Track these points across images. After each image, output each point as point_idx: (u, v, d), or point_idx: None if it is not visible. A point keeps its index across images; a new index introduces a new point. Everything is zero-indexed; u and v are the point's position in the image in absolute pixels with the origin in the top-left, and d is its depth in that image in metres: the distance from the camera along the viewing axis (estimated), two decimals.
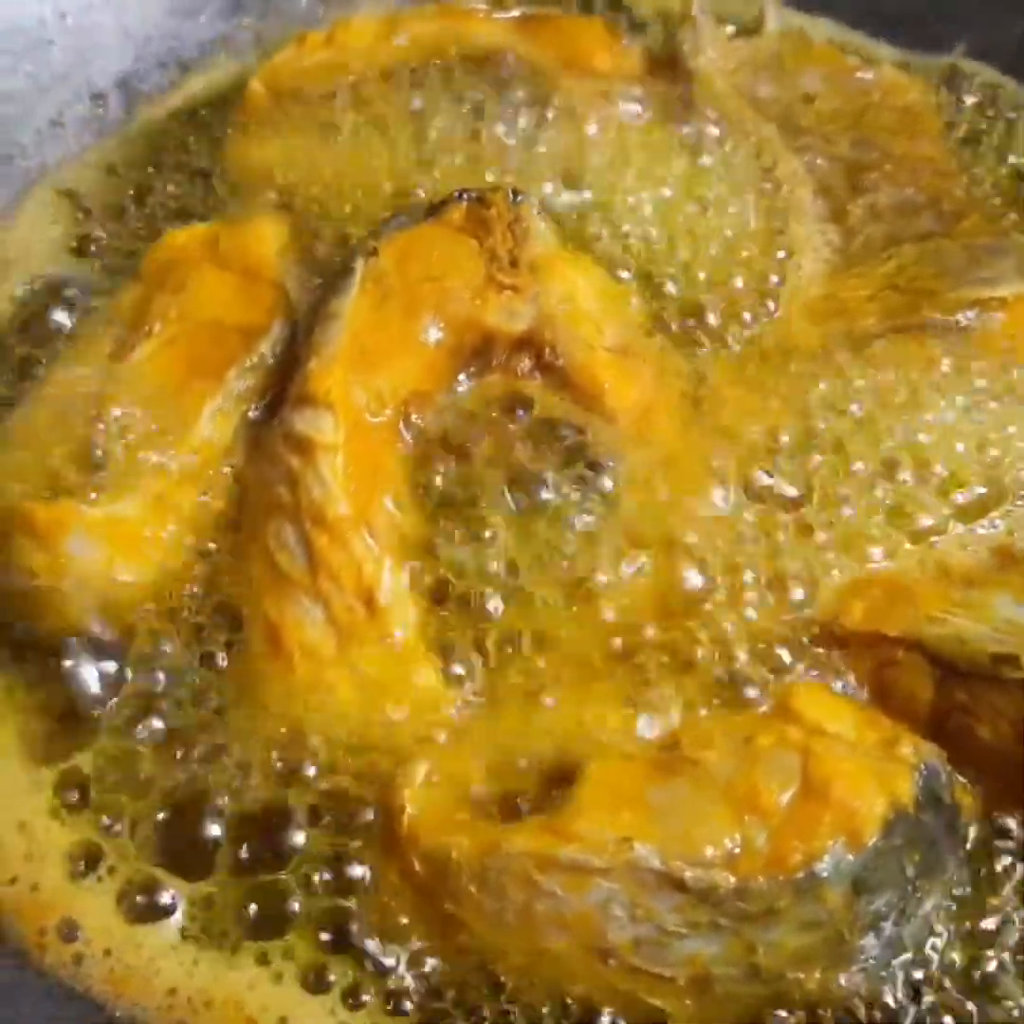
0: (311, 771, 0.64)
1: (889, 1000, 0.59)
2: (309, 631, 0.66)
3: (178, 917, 0.61)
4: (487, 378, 0.74)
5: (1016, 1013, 0.59)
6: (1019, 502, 0.73)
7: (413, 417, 0.71)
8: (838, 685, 0.67)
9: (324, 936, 0.60)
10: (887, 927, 0.59)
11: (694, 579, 0.70)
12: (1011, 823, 0.64)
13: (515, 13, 0.98)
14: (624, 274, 0.82)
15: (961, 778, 0.63)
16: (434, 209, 0.74)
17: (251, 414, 0.73)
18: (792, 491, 0.73)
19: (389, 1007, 0.59)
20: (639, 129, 0.91)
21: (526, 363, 0.74)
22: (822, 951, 0.58)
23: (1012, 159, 0.97)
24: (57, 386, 0.75)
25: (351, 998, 0.59)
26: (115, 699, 0.66)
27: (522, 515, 0.70)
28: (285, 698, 0.66)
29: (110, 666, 0.67)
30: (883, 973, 0.59)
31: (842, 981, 0.58)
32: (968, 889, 0.62)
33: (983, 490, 0.73)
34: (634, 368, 0.76)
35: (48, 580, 0.67)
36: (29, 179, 0.94)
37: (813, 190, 0.88)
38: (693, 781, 0.60)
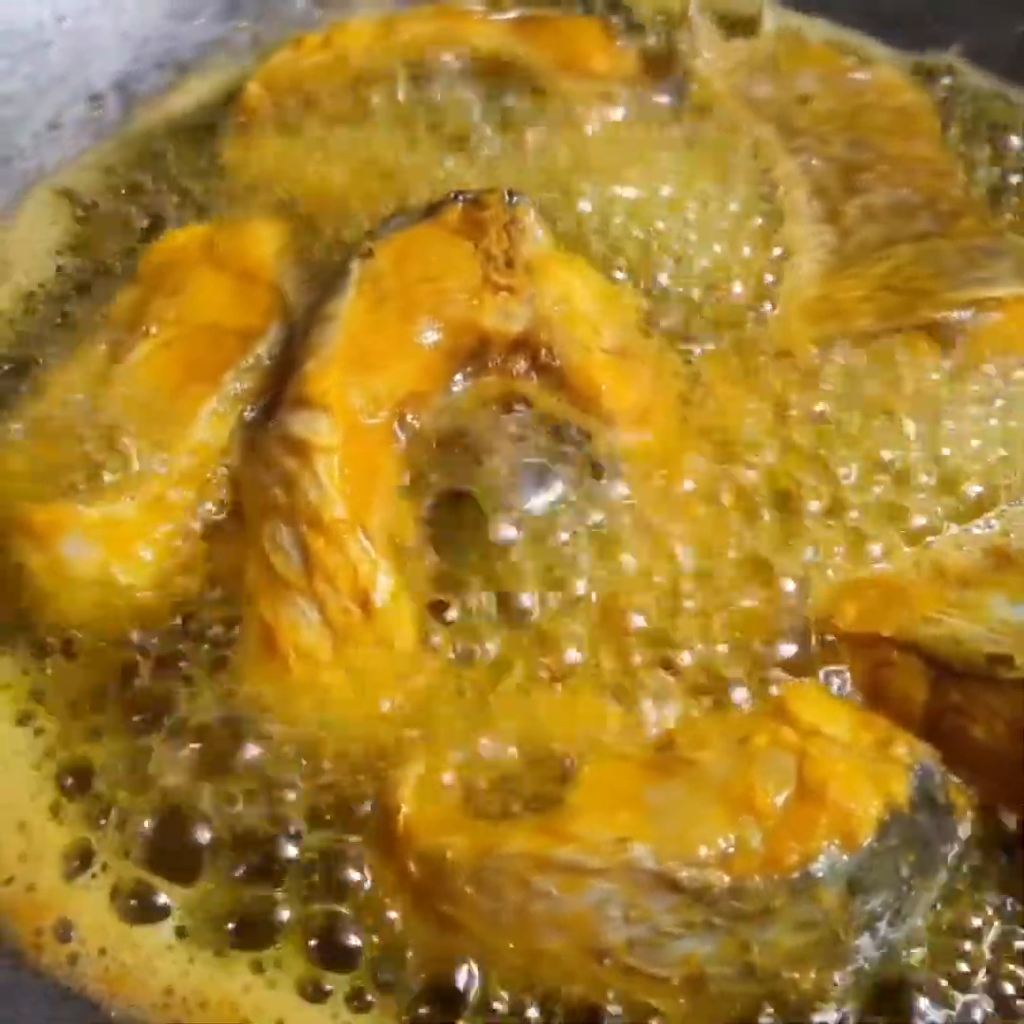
0: (307, 772, 0.64)
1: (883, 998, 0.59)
2: (305, 633, 0.66)
3: (173, 917, 0.61)
4: (483, 379, 0.74)
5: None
6: (1014, 502, 0.73)
7: (409, 419, 0.71)
8: (833, 686, 0.67)
9: (320, 937, 0.60)
10: (882, 927, 0.59)
11: (691, 579, 0.70)
12: (1005, 823, 0.64)
13: (512, 14, 0.98)
14: (620, 275, 0.82)
15: (955, 779, 0.63)
16: (430, 210, 0.75)
17: (247, 416, 0.73)
18: (788, 492, 0.73)
19: (385, 1008, 0.59)
20: (636, 130, 0.91)
21: (522, 364, 0.74)
22: (817, 951, 0.58)
23: (1009, 160, 0.97)
24: (55, 387, 0.75)
25: (348, 1000, 0.59)
26: (112, 700, 0.66)
27: (519, 516, 0.70)
28: (281, 700, 0.66)
29: (107, 667, 0.67)
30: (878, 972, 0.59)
31: (837, 981, 0.58)
32: (963, 889, 0.62)
33: (979, 490, 0.73)
34: (631, 369, 0.76)
35: (45, 581, 0.68)
36: (27, 180, 0.94)
37: (809, 191, 0.88)
38: (689, 782, 0.60)
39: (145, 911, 0.61)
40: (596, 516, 0.71)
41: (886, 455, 0.73)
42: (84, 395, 0.74)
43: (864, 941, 0.58)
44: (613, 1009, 0.58)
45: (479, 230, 0.74)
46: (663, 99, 0.93)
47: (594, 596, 0.69)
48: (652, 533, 0.71)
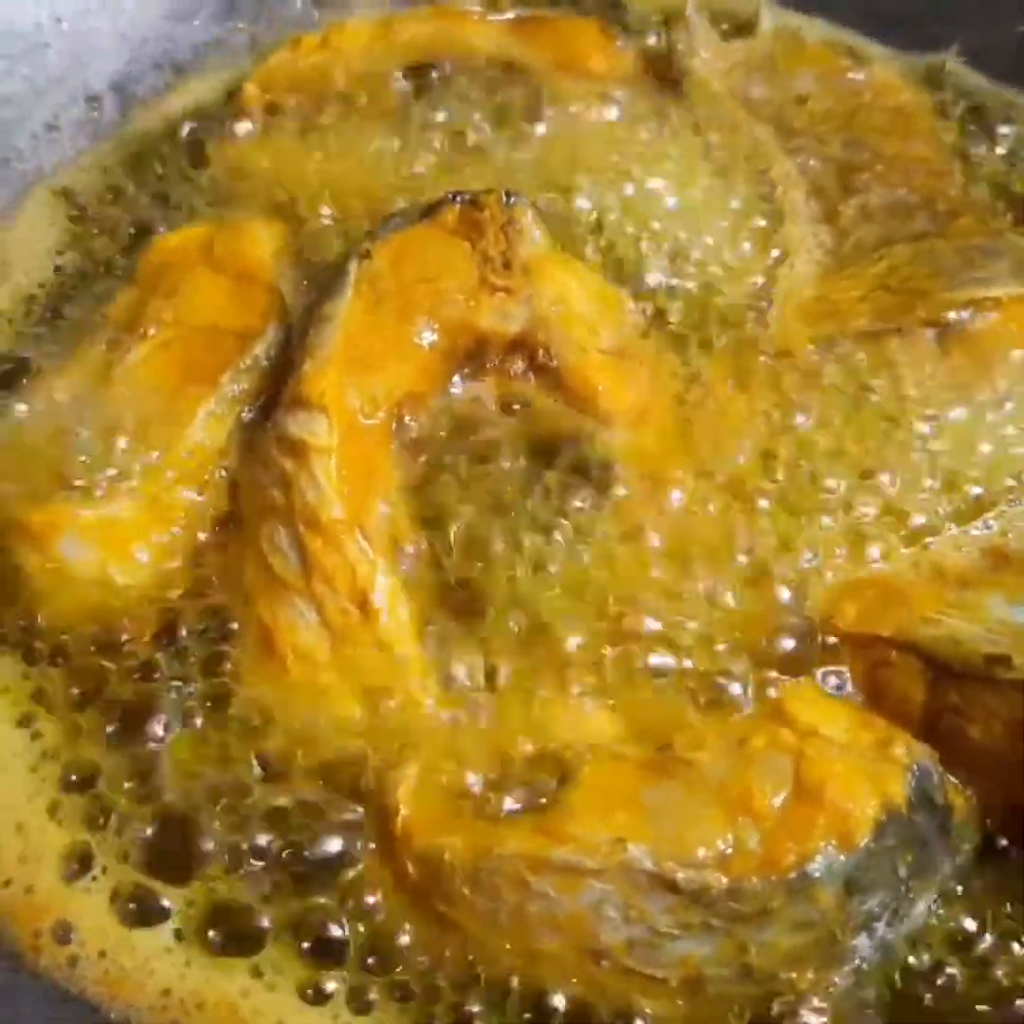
0: (305, 773, 0.64)
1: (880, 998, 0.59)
2: (303, 634, 0.66)
3: (172, 920, 0.61)
4: (481, 380, 0.74)
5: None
6: (1014, 503, 0.73)
7: (407, 419, 0.71)
8: (831, 686, 0.67)
9: (318, 939, 0.60)
10: (880, 927, 0.59)
11: (688, 580, 0.70)
12: (1003, 823, 0.64)
13: (509, 15, 0.98)
14: (618, 276, 0.82)
15: (953, 779, 0.63)
16: (427, 211, 0.75)
17: (245, 417, 0.73)
18: (786, 492, 0.73)
19: (383, 1010, 0.59)
20: (633, 130, 0.91)
21: (520, 365, 0.74)
22: (815, 951, 0.58)
23: (1007, 160, 0.97)
24: (53, 388, 0.75)
25: (347, 1001, 0.59)
26: (109, 702, 0.66)
27: (516, 517, 0.70)
28: (279, 700, 0.66)
29: (104, 668, 0.67)
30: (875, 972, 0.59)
31: (835, 981, 0.58)
32: (960, 889, 0.62)
33: (977, 491, 0.73)
34: (628, 370, 0.76)
35: (42, 582, 0.68)
36: (26, 182, 0.94)
37: (806, 191, 0.88)
38: (686, 782, 0.60)
39: (144, 914, 0.61)
40: (594, 516, 0.71)
41: (884, 455, 0.73)
42: (82, 396, 0.74)
43: (861, 941, 0.58)
44: (611, 1010, 0.58)
45: (476, 231, 0.74)
46: (661, 99, 0.93)
47: (592, 596, 0.69)
48: (650, 533, 0.71)
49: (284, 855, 0.62)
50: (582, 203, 0.86)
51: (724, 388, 0.77)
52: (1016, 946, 0.61)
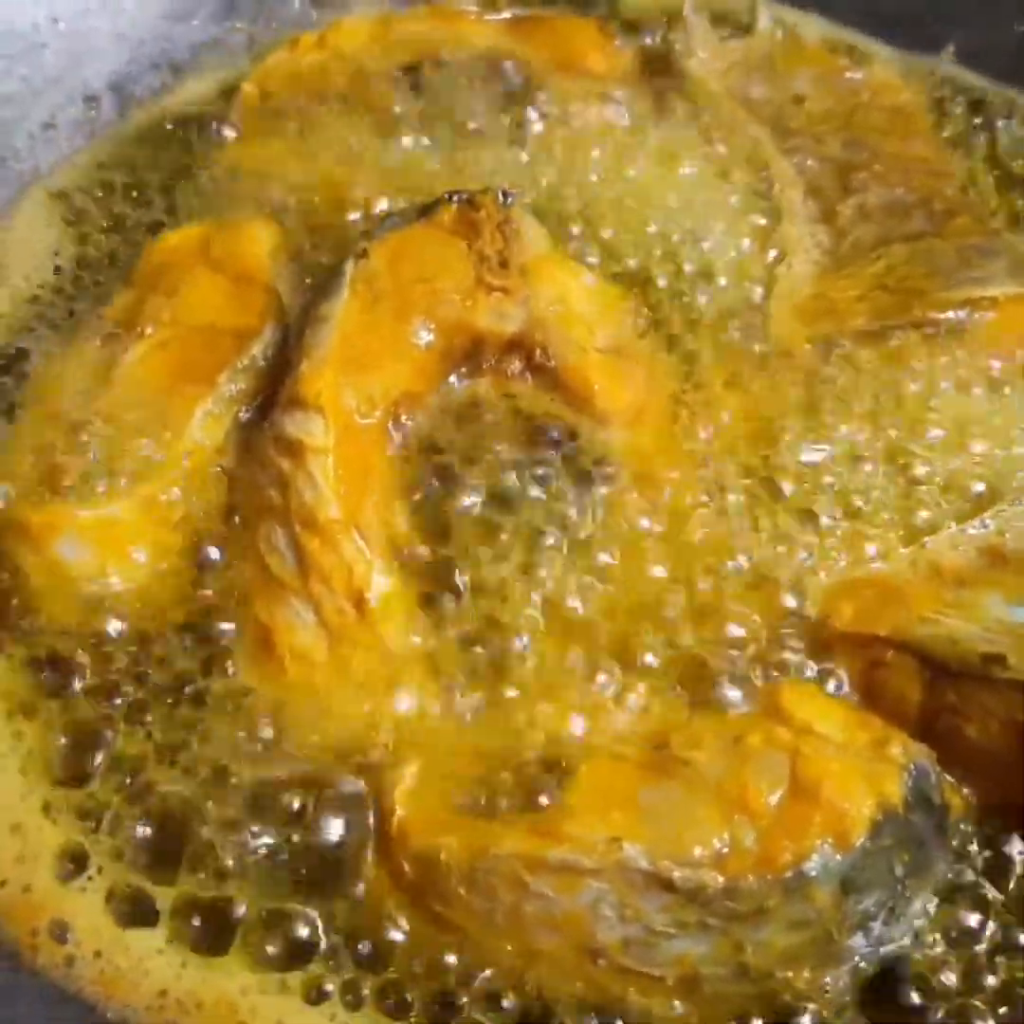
0: (302, 773, 0.64)
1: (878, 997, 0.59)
2: (300, 634, 0.66)
3: (167, 920, 0.61)
4: (478, 380, 0.74)
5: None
6: (1012, 502, 0.73)
7: (403, 419, 0.71)
8: (828, 685, 0.67)
9: (315, 938, 0.60)
10: (876, 926, 0.59)
11: (686, 579, 0.70)
12: (1000, 823, 0.64)
13: (507, 14, 0.98)
14: (615, 275, 0.82)
15: (950, 778, 0.63)
16: (424, 211, 0.75)
17: (242, 417, 0.73)
18: (783, 492, 0.73)
19: (381, 1009, 0.59)
20: (631, 130, 0.91)
21: (516, 365, 0.74)
22: (811, 950, 0.58)
23: (1004, 160, 0.97)
24: (50, 388, 0.75)
25: (345, 1000, 0.59)
26: (107, 701, 0.66)
27: (513, 516, 0.70)
28: (277, 700, 0.66)
29: (102, 668, 0.67)
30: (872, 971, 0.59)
31: (830, 980, 0.58)
32: (958, 888, 0.62)
33: (975, 490, 0.73)
34: (626, 369, 0.76)
35: (40, 582, 0.68)
36: (23, 182, 0.94)
37: (804, 190, 0.88)
38: (683, 781, 0.60)
39: (139, 914, 0.61)
40: (591, 516, 0.71)
41: (879, 454, 0.73)
42: (80, 396, 0.74)
43: (858, 940, 0.58)
44: (607, 1009, 0.58)
45: (473, 230, 0.74)
46: (659, 99, 0.93)
47: (589, 595, 0.69)
48: (646, 533, 0.71)
49: (280, 855, 0.62)
50: (579, 202, 0.86)
51: (721, 387, 0.78)
52: (1013, 944, 0.61)
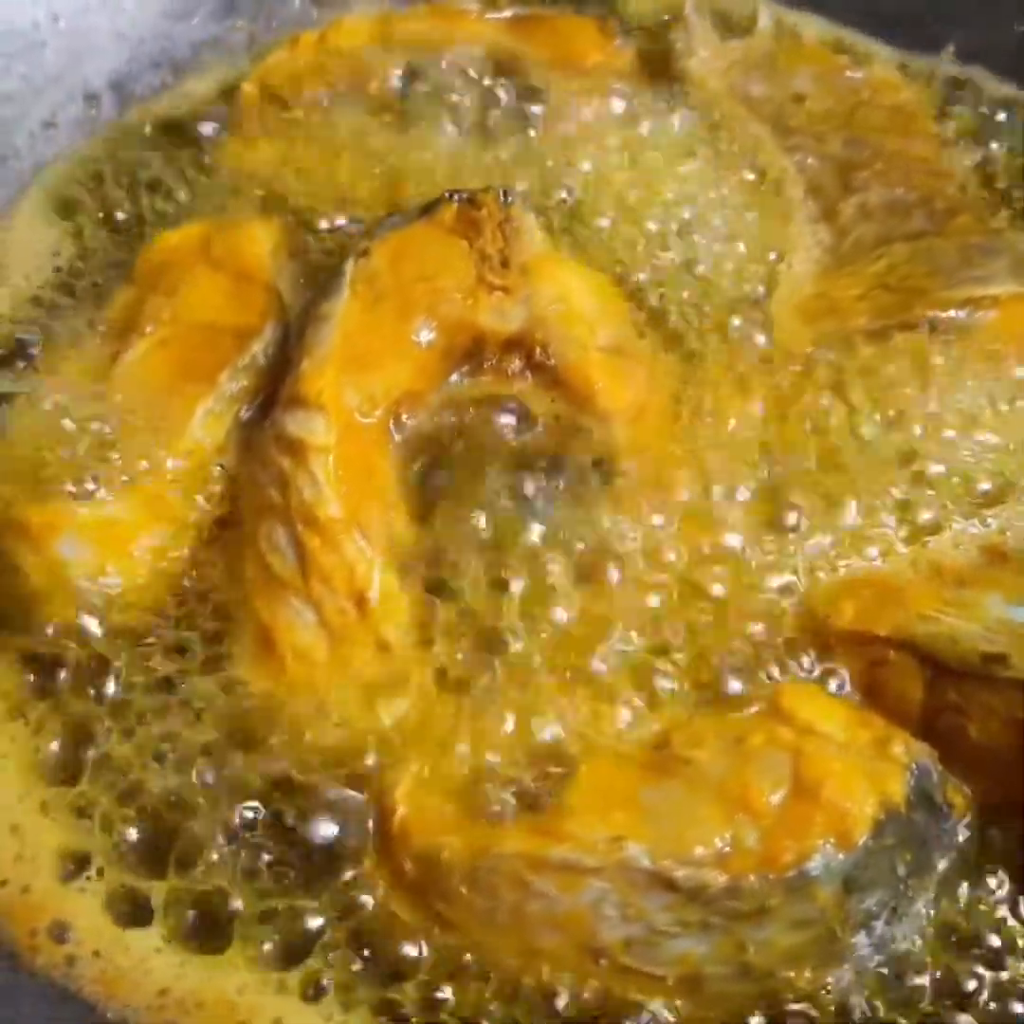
0: (303, 772, 0.64)
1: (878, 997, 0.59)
2: (301, 633, 0.66)
3: (167, 919, 0.61)
4: (479, 379, 0.74)
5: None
6: (1012, 501, 0.73)
7: (405, 418, 0.71)
8: (830, 685, 0.67)
9: (316, 937, 0.60)
10: (878, 926, 0.59)
11: (687, 578, 0.70)
12: (1002, 822, 0.64)
13: (507, 13, 0.98)
14: (616, 274, 0.82)
15: (952, 778, 0.63)
16: (425, 210, 0.75)
17: (243, 415, 0.73)
18: (785, 491, 0.73)
19: (382, 1009, 0.59)
20: (631, 129, 0.91)
21: (517, 364, 0.74)
22: (813, 949, 0.58)
23: (1005, 159, 0.97)
24: (50, 388, 0.75)
25: (344, 1000, 0.59)
26: (107, 701, 0.66)
27: (514, 515, 0.70)
28: (277, 699, 0.66)
29: (102, 668, 0.67)
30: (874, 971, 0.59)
31: (833, 979, 0.58)
32: (959, 887, 0.62)
33: (977, 489, 0.73)
34: (627, 368, 0.76)
35: (39, 581, 0.68)
36: (23, 181, 0.94)
37: (805, 189, 0.88)
38: (685, 781, 0.60)
39: (138, 913, 0.61)
40: (591, 515, 0.71)
41: (880, 454, 0.73)
42: (80, 395, 0.74)
43: (860, 939, 0.58)
44: (609, 1008, 0.58)
45: (474, 229, 0.74)
46: (659, 98, 0.93)
47: (591, 594, 0.69)
48: (647, 531, 0.71)
49: (281, 854, 0.62)
50: (580, 201, 0.86)
51: (722, 386, 0.77)
52: (1016, 943, 0.61)
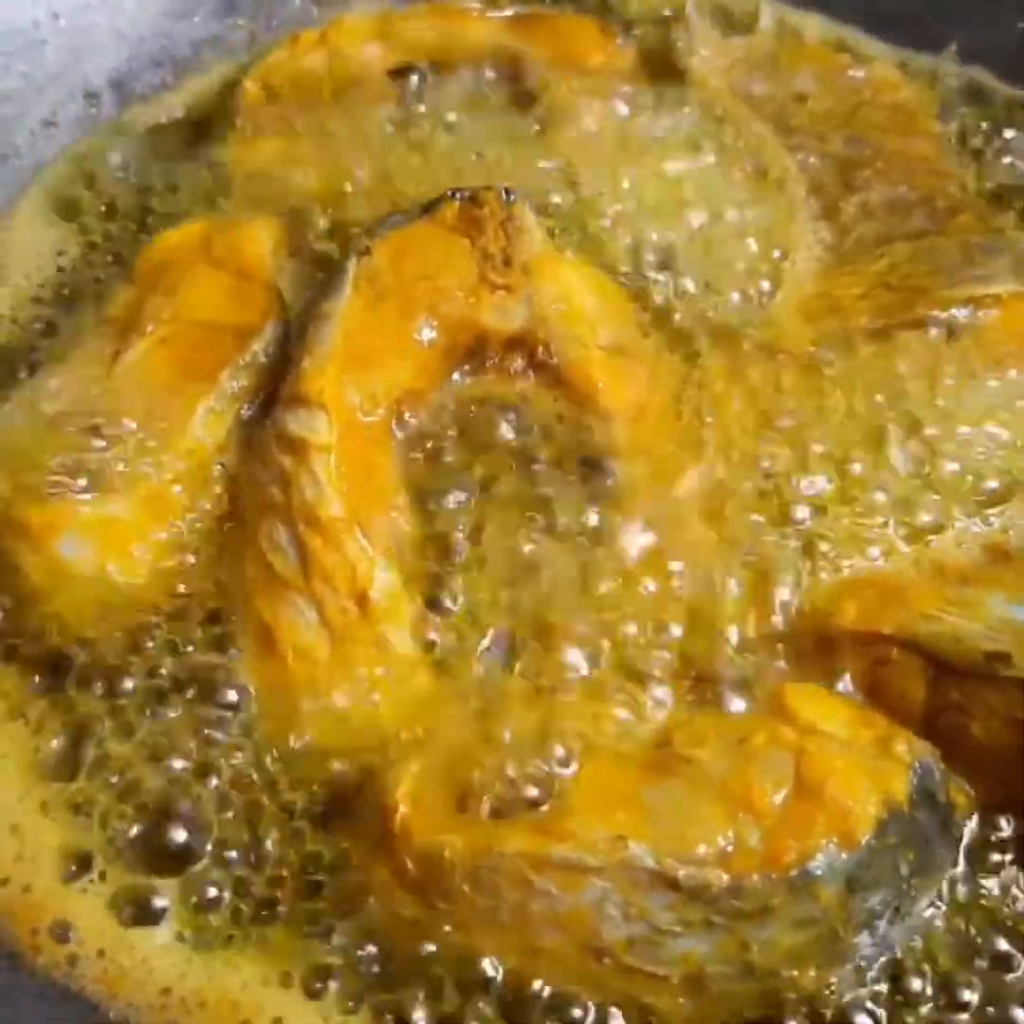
0: (305, 771, 0.64)
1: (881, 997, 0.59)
2: (303, 633, 0.66)
3: (170, 918, 0.61)
4: (480, 378, 0.74)
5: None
6: (1015, 500, 0.73)
7: (406, 417, 0.71)
8: (832, 684, 0.67)
9: (319, 936, 0.60)
10: (882, 925, 0.59)
11: (688, 578, 0.70)
12: (1005, 821, 0.63)
13: (508, 12, 0.98)
14: (618, 273, 0.82)
15: (954, 777, 0.63)
16: (427, 208, 0.75)
17: (244, 414, 0.73)
18: (787, 490, 0.73)
19: (385, 1008, 0.59)
20: (633, 128, 0.91)
21: (519, 362, 0.74)
22: (816, 949, 0.58)
23: (1007, 157, 0.97)
24: (51, 386, 0.75)
25: (347, 1000, 0.59)
26: (108, 700, 0.66)
27: (516, 513, 0.70)
28: (278, 699, 0.66)
29: (102, 667, 0.67)
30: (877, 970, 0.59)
31: (836, 979, 0.58)
32: (962, 887, 0.62)
33: (979, 488, 0.73)
34: (628, 367, 0.76)
35: (40, 581, 0.67)
36: (23, 179, 0.94)
37: (807, 188, 0.88)
38: (687, 780, 0.60)
39: (142, 912, 0.61)
40: (593, 513, 0.71)
41: (886, 453, 0.73)
42: (81, 394, 0.73)
43: (863, 939, 0.58)
44: (613, 1008, 0.58)
45: (476, 228, 0.74)
46: (661, 97, 0.93)
47: (593, 592, 0.69)
48: (649, 531, 0.71)
49: (283, 853, 0.62)
50: (582, 200, 0.85)
51: (724, 385, 0.77)
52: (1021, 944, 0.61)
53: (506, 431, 0.73)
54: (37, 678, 0.68)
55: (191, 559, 0.70)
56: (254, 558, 0.68)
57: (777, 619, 0.68)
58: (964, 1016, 0.60)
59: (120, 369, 0.74)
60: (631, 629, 0.68)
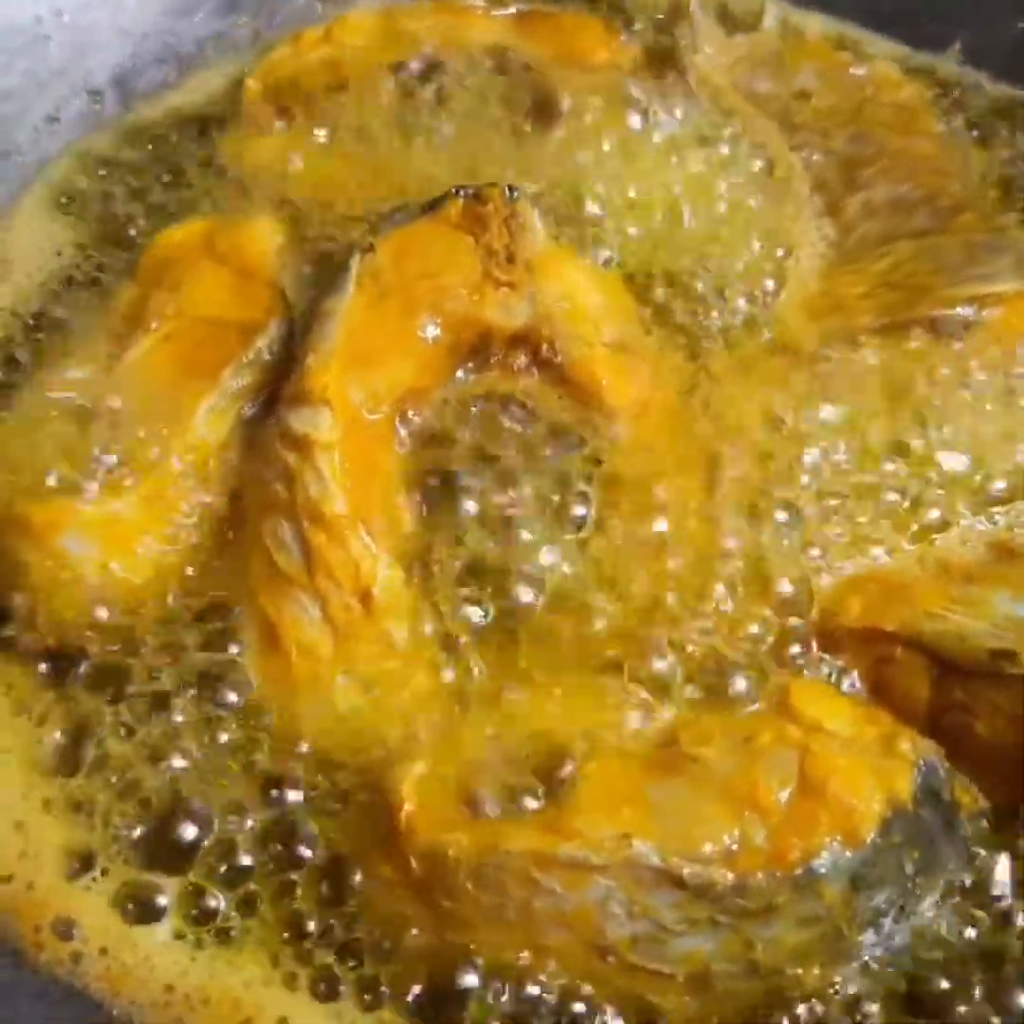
0: (309, 769, 0.64)
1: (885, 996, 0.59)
2: (306, 629, 0.66)
3: (173, 915, 0.61)
4: (484, 375, 0.74)
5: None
6: (1018, 498, 0.73)
7: (410, 414, 0.71)
8: (837, 682, 0.67)
9: (322, 934, 0.60)
10: (886, 923, 0.59)
11: (693, 575, 0.70)
12: (1009, 819, 0.63)
13: (512, 9, 0.98)
14: (621, 270, 0.81)
15: (959, 775, 0.63)
16: (430, 206, 0.74)
17: (247, 412, 0.73)
18: (790, 488, 0.73)
19: (387, 1006, 0.59)
20: (637, 125, 0.91)
21: (523, 360, 0.74)
22: (821, 947, 0.58)
23: (1009, 156, 0.97)
24: (54, 384, 0.75)
25: (351, 996, 0.59)
26: (111, 698, 0.66)
27: (519, 512, 0.70)
28: (283, 696, 0.66)
29: (106, 664, 0.67)
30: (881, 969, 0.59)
31: (840, 977, 0.58)
32: (967, 885, 0.62)
33: (981, 486, 0.73)
34: (632, 365, 0.76)
35: (43, 579, 0.67)
36: (26, 176, 0.94)
37: (810, 186, 0.88)
38: (692, 778, 0.60)
39: (145, 910, 0.61)
40: (597, 511, 0.71)
41: (887, 451, 0.73)
42: (84, 392, 0.73)
43: (868, 937, 0.58)
44: (617, 1007, 0.58)
45: (480, 225, 0.73)
46: (665, 95, 0.93)
47: (595, 593, 0.68)
48: (652, 529, 0.71)
49: (288, 851, 0.62)
50: (585, 197, 0.85)
51: (727, 383, 0.77)
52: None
53: (510, 428, 0.72)
54: (40, 676, 0.68)
55: (194, 556, 0.70)
56: (258, 555, 0.68)
57: (782, 617, 0.68)
58: (969, 1014, 0.59)
59: (123, 366, 0.74)
60: (635, 626, 0.68)
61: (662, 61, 0.95)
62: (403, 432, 0.71)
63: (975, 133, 0.98)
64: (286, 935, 0.60)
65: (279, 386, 0.71)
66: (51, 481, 0.69)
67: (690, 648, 0.67)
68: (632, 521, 0.71)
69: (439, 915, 0.59)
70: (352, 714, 0.65)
